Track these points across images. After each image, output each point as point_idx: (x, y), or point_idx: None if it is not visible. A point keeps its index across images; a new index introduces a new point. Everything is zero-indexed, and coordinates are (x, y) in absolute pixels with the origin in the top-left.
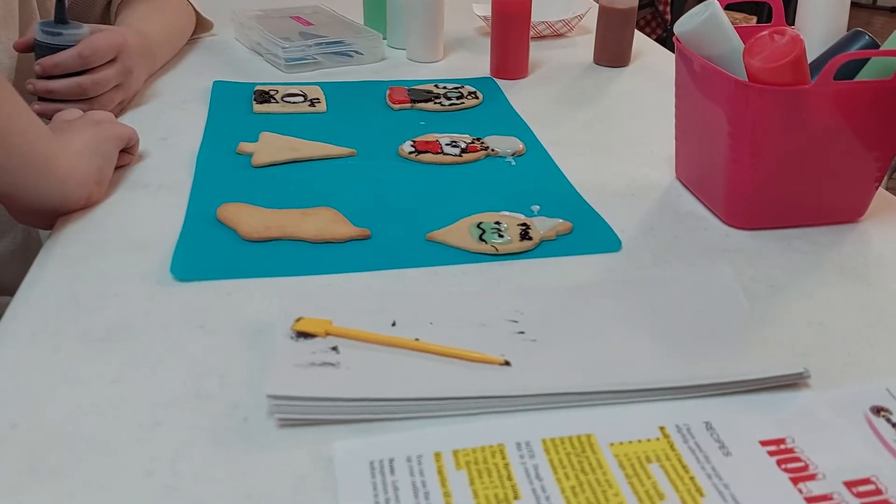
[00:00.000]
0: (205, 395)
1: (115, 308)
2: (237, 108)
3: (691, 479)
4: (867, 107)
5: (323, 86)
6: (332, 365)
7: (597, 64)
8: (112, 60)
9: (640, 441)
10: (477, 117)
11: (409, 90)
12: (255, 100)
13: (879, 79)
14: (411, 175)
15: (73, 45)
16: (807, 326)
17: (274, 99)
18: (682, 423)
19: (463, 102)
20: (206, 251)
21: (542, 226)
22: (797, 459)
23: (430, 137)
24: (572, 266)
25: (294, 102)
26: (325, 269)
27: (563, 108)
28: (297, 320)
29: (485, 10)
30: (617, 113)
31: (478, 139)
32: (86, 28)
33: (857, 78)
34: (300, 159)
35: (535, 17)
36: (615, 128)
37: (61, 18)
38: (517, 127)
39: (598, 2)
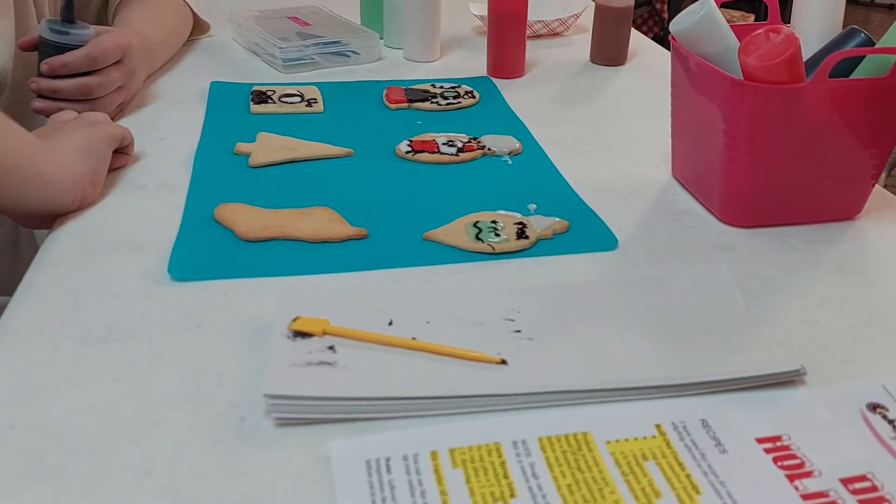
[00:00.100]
0: (202, 394)
1: (114, 308)
2: (234, 108)
3: (687, 476)
4: (863, 104)
5: (320, 86)
6: (329, 364)
7: (593, 63)
8: (117, 62)
9: (636, 439)
10: (474, 116)
11: (405, 90)
12: (252, 100)
13: (875, 76)
14: (408, 174)
15: (80, 45)
16: (803, 324)
17: (271, 99)
18: (679, 421)
19: (460, 102)
20: (204, 251)
21: (539, 224)
22: (793, 457)
23: (427, 137)
24: (569, 265)
25: (291, 103)
26: (323, 268)
27: (559, 107)
28: (294, 320)
29: (481, 9)
30: (613, 111)
31: (474, 138)
32: (91, 29)
33: (853, 76)
34: (297, 159)
35: (532, 16)
36: (612, 126)
37: (69, 18)
38: (514, 126)
39: (594, 0)
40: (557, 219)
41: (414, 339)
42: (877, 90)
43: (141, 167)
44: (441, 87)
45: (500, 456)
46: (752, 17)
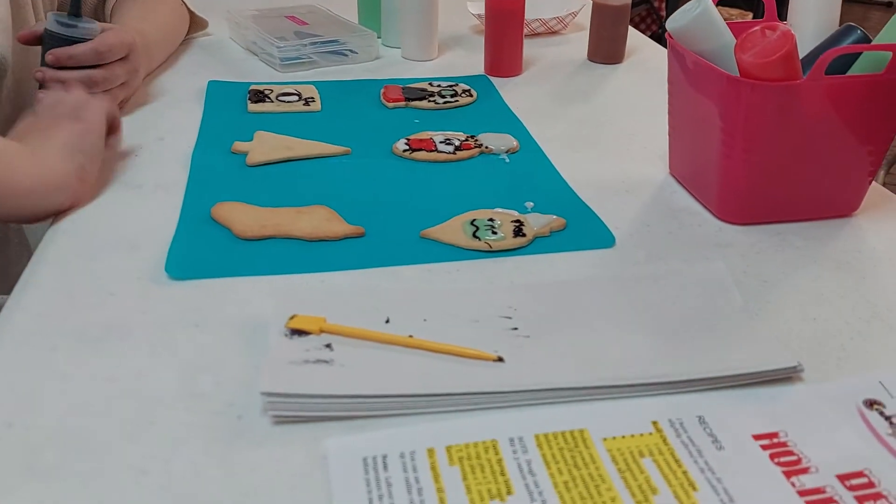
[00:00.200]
0: (199, 393)
1: (111, 307)
2: (232, 107)
3: (684, 473)
4: (859, 101)
5: (317, 85)
6: (326, 362)
7: (591, 61)
8: (122, 59)
9: (633, 436)
10: (471, 115)
11: (403, 88)
12: (249, 99)
13: (871, 73)
14: (405, 173)
15: (86, 39)
16: (800, 321)
17: (269, 98)
18: (675, 418)
19: (457, 100)
20: (201, 250)
21: (536, 222)
22: (790, 453)
23: (425, 135)
24: (566, 262)
25: (288, 101)
26: (320, 267)
27: (557, 105)
28: (292, 318)
29: (479, 7)
30: (611, 109)
31: (472, 137)
32: (97, 24)
33: (850, 72)
34: (295, 158)
35: (529, 14)
36: (609, 124)
37: (76, 12)
38: (511, 124)
39: None
40: (555, 217)
41: (411, 336)
42: (873, 87)
43: (138, 166)
44: (438, 86)
45: (496, 453)
46: (750, 14)
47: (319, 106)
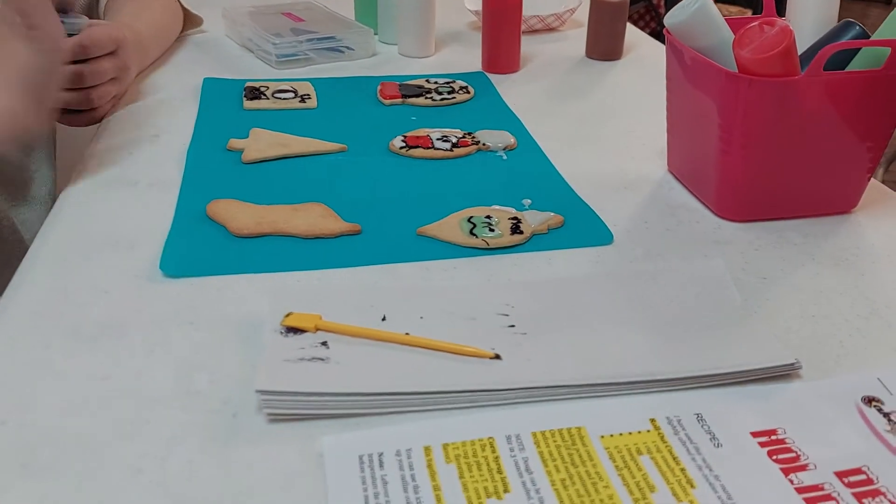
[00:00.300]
0: (194, 391)
1: (105, 305)
2: (227, 104)
3: (682, 470)
4: (858, 97)
5: (313, 81)
6: (322, 360)
7: (589, 58)
8: (110, 53)
9: (630, 433)
10: (468, 112)
11: (400, 85)
12: (245, 96)
13: (870, 69)
14: (402, 170)
15: (73, 35)
16: (799, 318)
17: (264, 95)
18: (673, 415)
19: (454, 97)
20: (196, 247)
21: (534, 219)
22: (788, 450)
23: (421, 132)
24: (564, 259)
25: (284, 98)
26: (316, 264)
27: (554, 102)
28: (287, 315)
29: (476, 4)
30: (609, 106)
31: (469, 134)
32: (86, 19)
33: (848, 68)
34: (290, 155)
35: (527, 11)
36: (607, 121)
37: (62, 8)
38: (509, 121)
39: None
40: (552, 214)
41: (407, 334)
42: (872, 83)
43: (133, 164)
44: (435, 83)
45: (493, 451)
46: (750, 12)
47: (315, 103)
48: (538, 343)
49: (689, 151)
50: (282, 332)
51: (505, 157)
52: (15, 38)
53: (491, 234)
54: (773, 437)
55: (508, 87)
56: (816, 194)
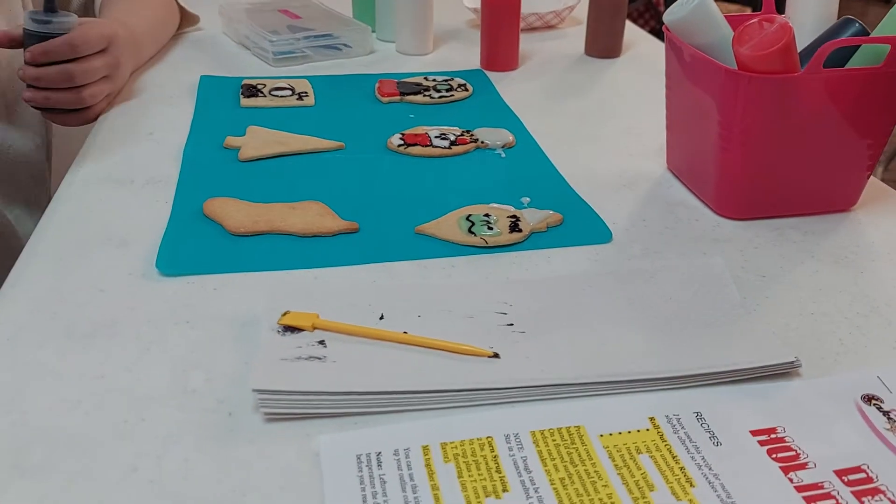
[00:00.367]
0: (190, 390)
1: (101, 303)
2: (224, 102)
3: (681, 469)
4: (858, 94)
5: (311, 79)
6: (319, 359)
7: (588, 55)
8: (101, 51)
9: (629, 432)
10: (467, 110)
11: (398, 83)
12: (242, 94)
13: (870, 66)
14: (400, 168)
15: (62, 34)
16: (798, 316)
17: (261, 93)
18: (673, 414)
19: (452, 95)
20: (193, 246)
21: (532, 217)
22: (788, 448)
23: (420, 130)
24: (562, 258)
25: (282, 96)
26: (313, 262)
27: (553, 100)
28: (284, 314)
29: (475, 2)
30: (608, 104)
31: (467, 131)
32: (75, 17)
33: (848, 66)
34: (288, 153)
35: (526, 8)
36: (606, 119)
37: (50, 7)
38: (507, 119)
39: None
40: (551, 212)
41: (405, 333)
42: (871, 80)
43: (129, 162)
44: (434, 80)
45: (492, 450)
46: (749, 9)
47: (313, 100)
48: (537, 342)
49: (689, 149)
50: (279, 331)
51: (503, 155)
52: None
53: (489, 233)
54: (773, 436)
55: (507, 85)
56: (816, 192)
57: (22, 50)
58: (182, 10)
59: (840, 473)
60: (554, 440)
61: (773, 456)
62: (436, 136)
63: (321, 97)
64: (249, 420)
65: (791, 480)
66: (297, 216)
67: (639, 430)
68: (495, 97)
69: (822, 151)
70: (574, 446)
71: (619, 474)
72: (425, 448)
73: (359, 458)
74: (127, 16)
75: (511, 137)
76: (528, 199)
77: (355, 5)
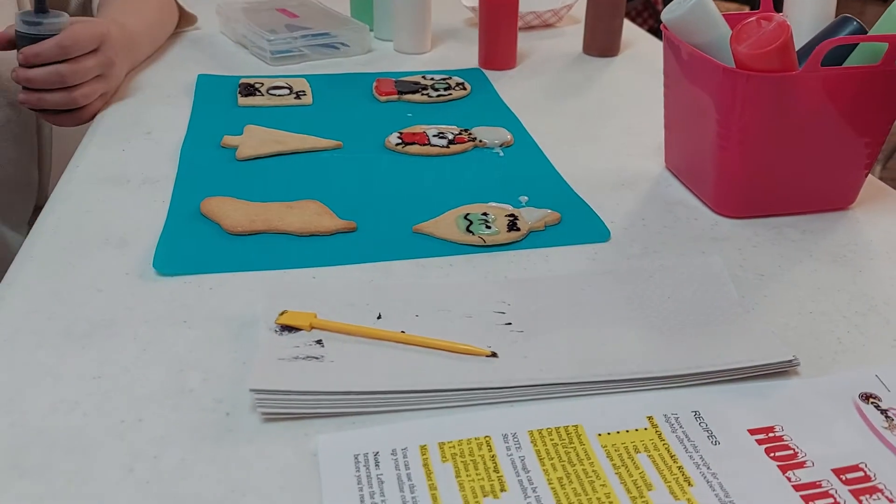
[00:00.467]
0: (187, 390)
1: (98, 303)
2: (222, 101)
3: (679, 468)
4: (856, 93)
5: (309, 78)
6: (317, 358)
7: (586, 54)
8: (93, 51)
9: (628, 431)
10: (465, 108)
11: (396, 81)
12: (239, 93)
13: (867, 65)
14: (398, 167)
15: (53, 35)
16: (797, 314)
17: (259, 92)
18: (671, 413)
19: (451, 93)
20: (190, 245)
21: (530, 216)
22: (786, 447)
23: (418, 129)
24: (561, 256)
25: (279, 95)
26: (311, 262)
27: (551, 99)
28: (282, 314)
29: (473, 0)
30: (606, 103)
31: (465, 130)
32: (66, 17)
33: (846, 64)
34: (285, 152)
35: (524, 7)
36: (604, 118)
37: (41, 8)
38: (505, 118)
39: None
40: (549, 211)
41: (403, 332)
42: (869, 78)
43: (126, 161)
44: (432, 79)
45: (490, 449)
46: (747, 8)
47: (311, 99)
48: (535, 341)
49: (687, 148)
50: (276, 331)
51: (501, 154)
52: None
53: (487, 232)
54: (771, 435)
55: (505, 84)
56: (814, 190)
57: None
58: (181, 8)
59: (838, 472)
60: (552, 439)
61: (772, 455)
62: (434, 135)
63: (319, 96)
64: (247, 420)
65: (789, 479)
66: (294, 215)
67: (637, 430)
68: (493, 96)
69: (821, 150)
70: (572, 446)
71: (617, 474)
72: (423, 448)
73: (356, 458)
74: (123, 15)
75: (509, 136)
76: (526, 197)
77: (353, 4)
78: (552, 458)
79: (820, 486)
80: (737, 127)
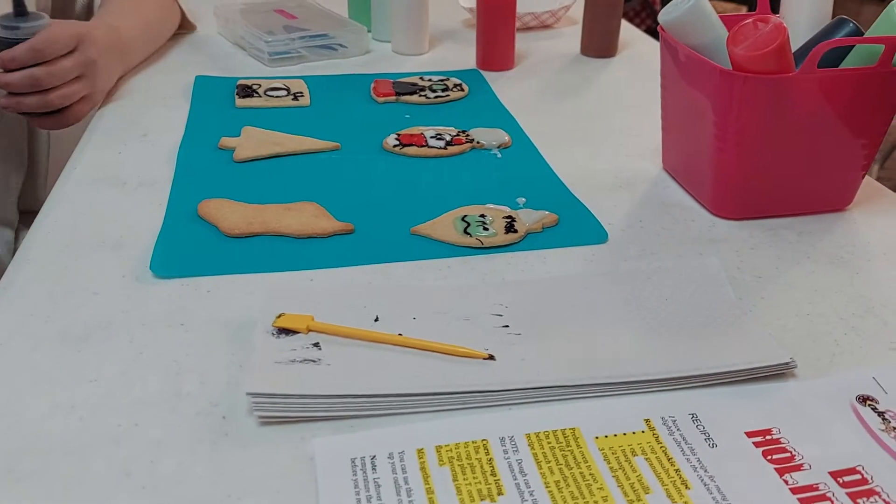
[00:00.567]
0: (184, 393)
1: (94, 306)
2: (219, 102)
3: (677, 471)
4: (852, 94)
5: (307, 79)
6: (314, 361)
7: (583, 55)
8: (71, 52)
9: (625, 434)
10: (462, 110)
11: (393, 83)
12: (237, 94)
13: (864, 66)
14: (396, 168)
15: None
16: (794, 316)
17: (257, 93)
18: (668, 416)
19: (448, 95)
20: (187, 248)
21: (528, 218)
22: (783, 450)
23: (415, 130)
24: (558, 258)
25: (277, 96)
26: (308, 264)
27: (549, 100)
28: (279, 316)
29: (470, 1)
30: (604, 104)
31: (463, 132)
32: (46, 20)
33: (842, 66)
34: (283, 154)
35: (522, 8)
36: (602, 119)
37: (20, 11)
38: (503, 119)
39: None
40: (547, 212)
41: (400, 335)
42: (866, 80)
43: (123, 163)
44: (429, 80)
45: (487, 453)
46: (744, 9)
47: (308, 101)
48: (532, 344)
49: (684, 149)
50: (273, 334)
51: (499, 156)
52: None
53: (485, 233)
54: (768, 437)
55: (503, 85)
56: (811, 192)
57: None
58: (183, 13)
59: (835, 475)
60: (549, 443)
61: (769, 457)
62: (431, 137)
63: (317, 97)
64: (244, 423)
65: (786, 482)
66: (292, 217)
67: (634, 433)
68: (491, 97)
69: (818, 151)
70: (569, 449)
71: (614, 477)
72: (420, 451)
73: (353, 462)
74: (117, 17)
75: (507, 137)
76: (523, 199)
77: (351, 5)
78: (549, 462)
79: (817, 489)
80: (734, 128)
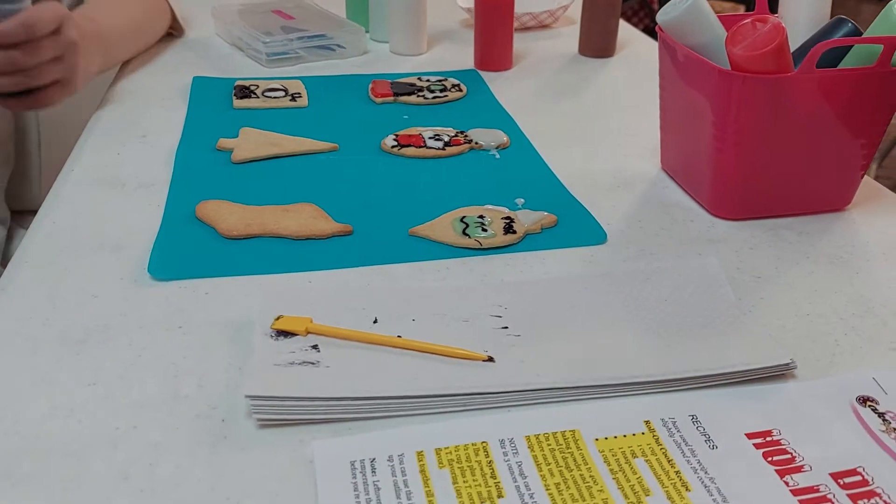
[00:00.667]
0: (182, 396)
1: (93, 309)
2: (217, 103)
3: (677, 473)
4: (851, 94)
5: (304, 80)
6: (313, 364)
7: (582, 55)
8: (52, 33)
9: (625, 436)
10: (461, 110)
11: (392, 83)
12: (235, 95)
13: (863, 66)
14: (394, 169)
15: (13, 15)
16: (794, 316)
17: (254, 94)
18: (668, 417)
19: (446, 95)
20: (185, 250)
21: (527, 219)
22: (783, 451)
23: (413, 131)
24: (557, 259)
25: (275, 97)
26: (307, 266)
27: (547, 100)
28: (277, 318)
29: (468, 1)
30: (602, 104)
31: (461, 132)
32: (27, 1)
33: (841, 65)
34: (281, 155)
35: (520, 8)
36: (600, 119)
37: None
38: (501, 119)
39: None
40: (545, 213)
41: (399, 336)
42: (864, 80)
43: (121, 165)
44: (427, 81)
45: (487, 455)
46: (742, 9)
47: (306, 101)
48: (532, 345)
49: (683, 149)
50: (272, 336)
51: (498, 156)
52: None
53: (484, 234)
54: (769, 439)
55: (501, 85)
56: (810, 192)
57: None
58: (173, 14)
59: (836, 476)
60: (549, 445)
61: (769, 459)
62: (430, 137)
63: (314, 98)
64: (243, 426)
65: (787, 483)
66: (290, 219)
67: (634, 434)
68: (489, 97)
69: (816, 151)
70: (569, 451)
71: (614, 479)
72: (420, 454)
73: (353, 465)
74: (95, 10)
75: (505, 138)
76: (522, 200)
77: (349, 6)
78: (549, 464)
79: (818, 491)
80: (732, 128)
